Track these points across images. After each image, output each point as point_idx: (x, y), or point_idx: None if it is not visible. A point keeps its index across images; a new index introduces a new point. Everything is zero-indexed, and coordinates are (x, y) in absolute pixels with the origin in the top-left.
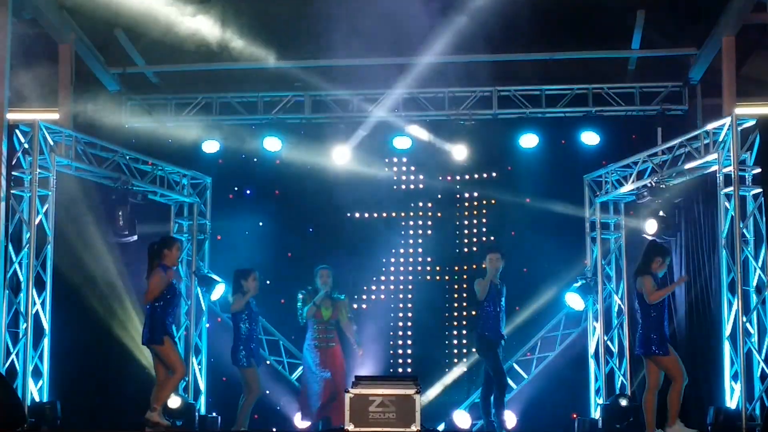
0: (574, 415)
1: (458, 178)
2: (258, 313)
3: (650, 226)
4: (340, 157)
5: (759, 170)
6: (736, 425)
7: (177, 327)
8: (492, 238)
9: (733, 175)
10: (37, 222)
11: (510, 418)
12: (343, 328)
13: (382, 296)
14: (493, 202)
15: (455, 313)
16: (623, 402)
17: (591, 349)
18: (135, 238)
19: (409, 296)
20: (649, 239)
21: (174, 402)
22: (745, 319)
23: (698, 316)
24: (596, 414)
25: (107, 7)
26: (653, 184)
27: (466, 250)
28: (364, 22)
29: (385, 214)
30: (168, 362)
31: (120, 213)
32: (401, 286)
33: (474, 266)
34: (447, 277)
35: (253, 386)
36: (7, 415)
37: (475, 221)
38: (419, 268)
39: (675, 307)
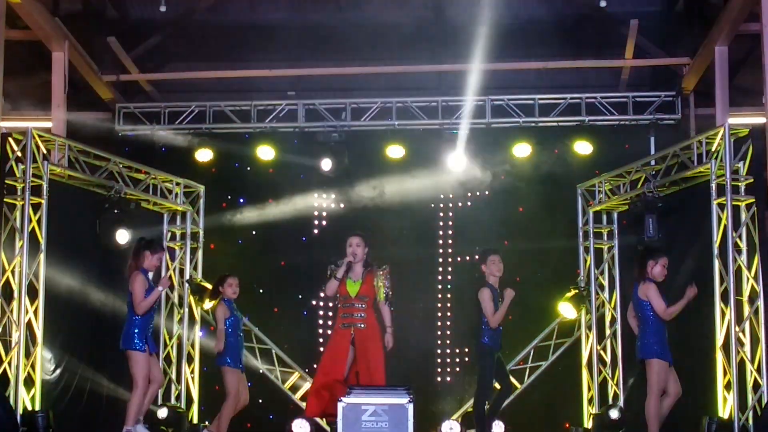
0: (567, 425)
1: (451, 186)
2: (240, 318)
3: (639, 235)
4: (334, 166)
5: (752, 180)
6: None
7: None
8: (477, 248)
9: (726, 185)
10: (29, 230)
11: (498, 428)
12: (380, 307)
13: None
14: (486, 211)
15: (449, 323)
16: (613, 414)
17: (584, 359)
18: (121, 245)
19: (402, 304)
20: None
21: (162, 412)
22: (737, 328)
23: (690, 326)
24: (589, 423)
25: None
26: (646, 193)
27: (459, 259)
28: (358, 32)
29: (378, 223)
30: (133, 372)
31: (98, 221)
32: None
33: (467, 275)
34: (440, 286)
35: (232, 389)
36: None
37: (468, 230)
38: (412, 276)
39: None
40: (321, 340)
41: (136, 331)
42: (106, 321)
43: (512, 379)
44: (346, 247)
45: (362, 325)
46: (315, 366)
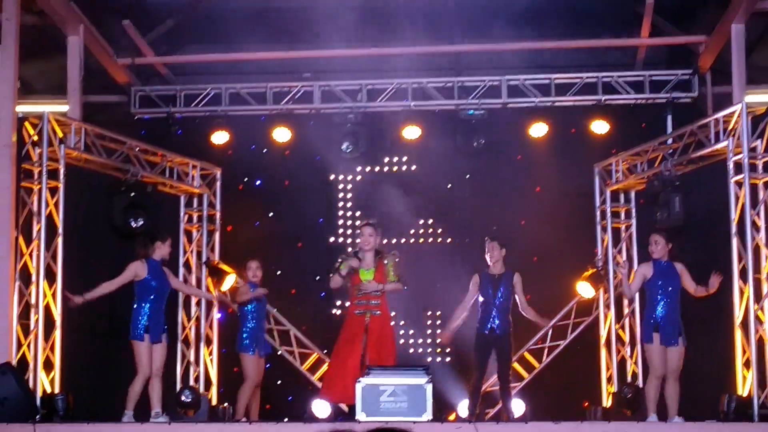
0: (586, 404)
1: (468, 167)
2: (265, 302)
3: (658, 214)
4: (349, 147)
5: None
6: (748, 413)
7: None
8: (495, 227)
9: (743, 163)
10: (46, 214)
11: (519, 406)
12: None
13: None
14: (503, 191)
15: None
16: (628, 392)
17: (602, 338)
18: (138, 227)
19: (421, 285)
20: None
21: (191, 396)
22: (756, 306)
23: (709, 304)
24: (608, 402)
25: None
26: (663, 172)
27: (477, 239)
28: (374, 12)
29: (394, 203)
30: (135, 360)
31: (114, 203)
32: (409, 276)
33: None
34: (457, 267)
35: (251, 374)
36: (18, 406)
37: (485, 210)
38: (429, 256)
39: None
40: (339, 321)
41: (136, 320)
42: (123, 304)
43: (530, 358)
44: (360, 236)
45: (378, 312)
46: (333, 347)
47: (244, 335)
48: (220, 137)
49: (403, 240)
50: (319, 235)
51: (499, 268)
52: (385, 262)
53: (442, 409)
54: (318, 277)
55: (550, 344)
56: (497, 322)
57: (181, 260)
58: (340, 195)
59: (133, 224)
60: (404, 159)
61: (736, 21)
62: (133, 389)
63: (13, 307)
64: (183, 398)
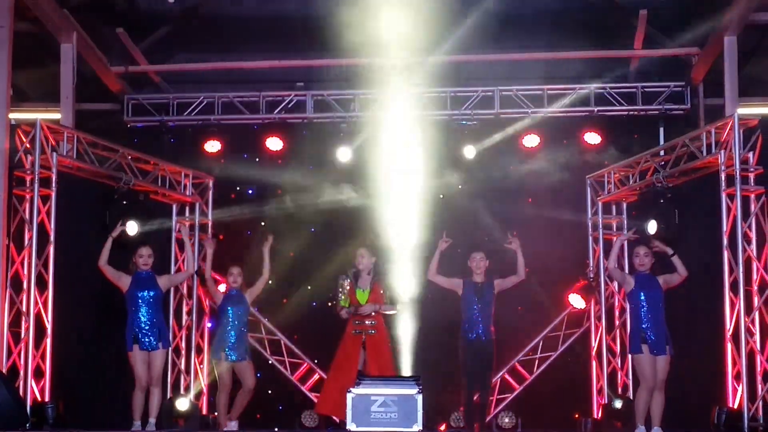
0: (577, 415)
1: (460, 177)
2: (247, 307)
3: (651, 226)
4: (343, 157)
5: (761, 170)
6: (738, 426)
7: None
8: (487, 238)
9: (735, 175)
10: (38, 221)
11: (510, 419)
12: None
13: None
14: (495, 202)
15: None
16: (617, 404)
17: (593, 349)
18: (131, 235)
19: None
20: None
21: (183, 404)
22: (747, 319)
23: (700, 316)
24: (598, 414)
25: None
26: (655, 183)
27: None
28: (367, 22)
29: (388, 213)
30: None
31: (107, 212)
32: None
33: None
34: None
35: (249, 379)
36: (8, 415)
37: (477, 221)
38: (422, 265)
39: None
40: (331, 331)
41: (127, 331)
42: (115, 312)
43: (521, 369)
44: (354, 258)
45: (373, 332)
46: (324, 356)
47: (225, 346)
48: (212, 146)
49: (394, 250)
50: (311, 245)
51: (482, 278)
52: (382, 285)
53: (433, 420)
54: (309, 287)
55: (540, 355)
56: (482, 328)
57: (173, 269)
58: (333, 204)
59: (127, 233)
60: (397, 167)
61: (729, 33)
62: (132, 400)
63: (4, 315)
64: (177, 407)
